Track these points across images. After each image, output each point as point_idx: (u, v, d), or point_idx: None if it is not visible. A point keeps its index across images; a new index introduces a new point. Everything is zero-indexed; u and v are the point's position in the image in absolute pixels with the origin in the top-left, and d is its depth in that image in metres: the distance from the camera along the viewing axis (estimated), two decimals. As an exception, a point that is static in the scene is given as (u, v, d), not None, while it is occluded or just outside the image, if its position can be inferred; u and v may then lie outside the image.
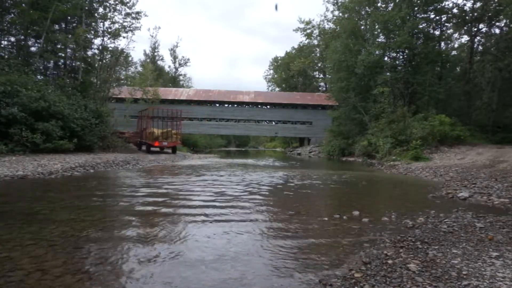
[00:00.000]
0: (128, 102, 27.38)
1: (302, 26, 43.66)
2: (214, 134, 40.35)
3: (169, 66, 54.94)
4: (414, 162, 14.11)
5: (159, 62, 51.15)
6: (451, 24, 24.14)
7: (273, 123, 37.27)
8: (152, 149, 19.62)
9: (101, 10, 20.64)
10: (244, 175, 10.11)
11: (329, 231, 3.90)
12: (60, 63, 19.65)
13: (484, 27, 23.87)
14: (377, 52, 21.87)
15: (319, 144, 32.48)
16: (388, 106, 19.98)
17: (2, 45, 17.20)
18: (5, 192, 6.00)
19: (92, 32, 20.09)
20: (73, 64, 19.56)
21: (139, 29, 21.71)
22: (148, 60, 49.14)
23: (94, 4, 20.08)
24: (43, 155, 11.27)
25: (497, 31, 23.65)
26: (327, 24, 38.80)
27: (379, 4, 25.33)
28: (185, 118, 25.46)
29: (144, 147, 20.25)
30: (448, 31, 24.68)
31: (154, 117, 21.86)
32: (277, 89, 55.65)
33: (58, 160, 10.69)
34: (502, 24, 22.90)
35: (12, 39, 17.80)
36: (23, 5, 15.98)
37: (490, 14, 22.22)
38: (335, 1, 32.33)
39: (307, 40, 46.10)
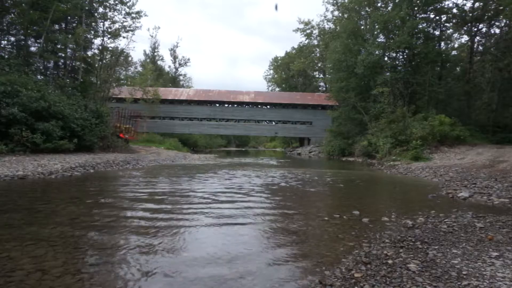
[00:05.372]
0: (128, 102, 27.44)
1: (301, 26, 43.79)
2: (214, 134, 40.34)
3: (169, 66, 55.12)
4: (414, 162, 14.10)
5: (159, 62, 51.28)
6: (451, 24, 24.12)
7: (273, 123, 37.25)
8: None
9: (101, 10, 20.67)
10: (243, 175, 10.11)
11: (329, 231, 3.90)
12: (60, 63, 19.65)
13: (484, 27, 23.84)
14: (377, 52, 21.86)
15: (319, 144, 32.47)
16: (388, 106, 19.97)
17: (2, 45, 17.20)
18: (5, 192, 5.99)
19: (92, 32, 20.11)
20: (73, 64, 19.55)
21: (139, 29, 21.84)
22: (148, 60, 49.17)
23: (94, 4, 20.07)
24: (43, 155, 11.26)
25: (497, 31, 23.65)
26: (327, 24, 38.92)
27: (379, 4, 25.35)
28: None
29: None
30: (448, 31, 24.67)
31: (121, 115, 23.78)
32: (277, 89, 55.66)
33: (58, 160, 10.69)
34: (502, 24, 22.89)
35: (12, 39, 17.81)
36: (23, 5, 15.96)
37: (490, 14, 22.19)
38: (334, 1, 32.40)
39: (307, 40, 46.19)
